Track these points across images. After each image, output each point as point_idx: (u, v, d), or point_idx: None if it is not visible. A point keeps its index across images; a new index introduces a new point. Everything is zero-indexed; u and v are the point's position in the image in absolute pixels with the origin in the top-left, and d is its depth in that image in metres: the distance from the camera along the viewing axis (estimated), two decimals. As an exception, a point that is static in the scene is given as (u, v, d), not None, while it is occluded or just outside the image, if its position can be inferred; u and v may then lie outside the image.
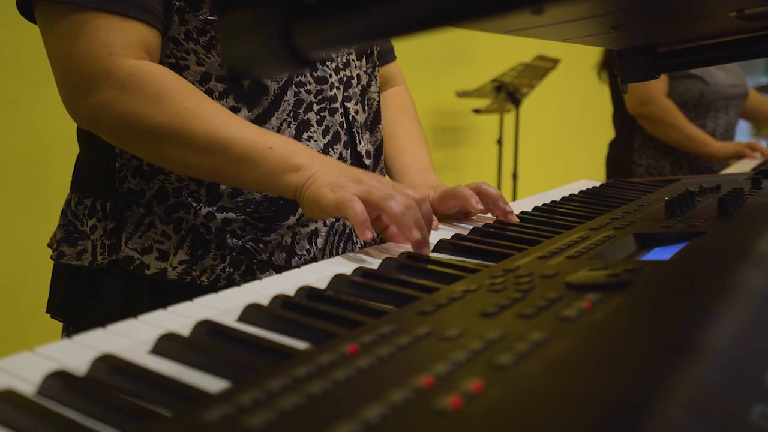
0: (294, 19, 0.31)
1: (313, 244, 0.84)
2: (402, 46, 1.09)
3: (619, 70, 0.75)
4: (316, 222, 0.84)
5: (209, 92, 0.78)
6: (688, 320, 0.37)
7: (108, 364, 0.38)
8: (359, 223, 0.64)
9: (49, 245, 0.87)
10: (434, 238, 0.73)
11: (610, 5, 0.46)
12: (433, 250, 0.70)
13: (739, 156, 2.10)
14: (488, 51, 3.44)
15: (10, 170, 1.75)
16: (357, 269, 0.59)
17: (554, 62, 3.16)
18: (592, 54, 2.32)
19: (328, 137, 0.85)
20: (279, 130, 0.80)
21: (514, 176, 3.31)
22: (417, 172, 0.99)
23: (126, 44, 0.72)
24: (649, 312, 0.40)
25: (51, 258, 0.86)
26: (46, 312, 0.87)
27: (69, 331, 0.85)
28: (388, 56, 1.09)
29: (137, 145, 0.75)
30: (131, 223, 0.80)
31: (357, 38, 0.34)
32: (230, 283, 0.80)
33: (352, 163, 0.89)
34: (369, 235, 0.64)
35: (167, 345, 0.41)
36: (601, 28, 0.54)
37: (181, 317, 0.48)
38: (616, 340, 0.35)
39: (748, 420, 0.29)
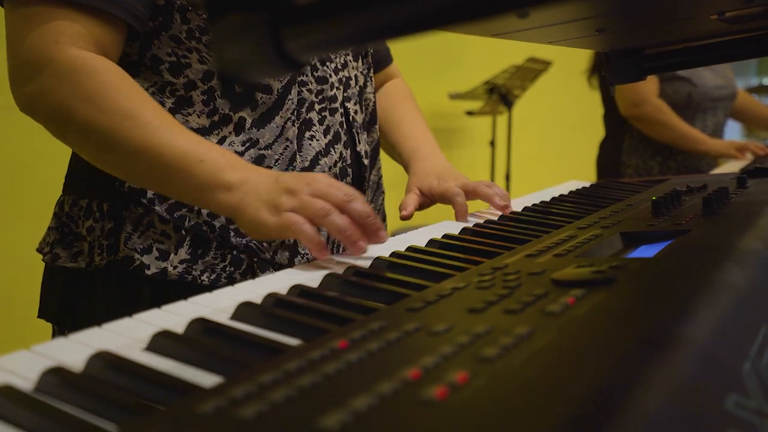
0: (284, 23, 0.32)
1: None
2: (395, 49, 1.11)
3: (606, 72, 0.76)
4: None
5: (211, 90, 0.78)
6: (669, 314, 0.38)
7: (104, 360, 0.39)
8: (315, 246, 0.64)
9: (39, 250, 0.86)
10: (424, 237, 0.74)
11: (593, 9, 0.47)
12: (424, 247, 0.71)
13: (731, 155, 2.12)
14: (480, 53, 3.46)
15: (5, 174, 1.76)
16: (348, 268, 0.60)
17: (546, 64, 3.18)
18: (584, 56, 2.34)
19: (329, 137, 0.86)
20: (283, 128, 0.81)
21: (507, 177, 3.33)
22: (427, 156, 1.01)
23: (74, 34, 0.70)
24: (631, 307, 0.41)
25: (44, 261, 0.85)
26: (39, 317, 0.86)
27: (63, 335, 0.85)
28: (387, 60, 1.11)
29: (71, 140, 0.74)
30: (130, 223, 0.79)
31: (347, 41, 0.35)
32: (231, 282, 0.80)
33: (351, 163, 0.90)
34: (327, 254, 0.64)
35: (162, 342, 0.42)
36: (586, 32, 0.56)
37: (175, 315, 0.49)
38: (598, 333, 0.36)
39: (723, 408, 0.30)
